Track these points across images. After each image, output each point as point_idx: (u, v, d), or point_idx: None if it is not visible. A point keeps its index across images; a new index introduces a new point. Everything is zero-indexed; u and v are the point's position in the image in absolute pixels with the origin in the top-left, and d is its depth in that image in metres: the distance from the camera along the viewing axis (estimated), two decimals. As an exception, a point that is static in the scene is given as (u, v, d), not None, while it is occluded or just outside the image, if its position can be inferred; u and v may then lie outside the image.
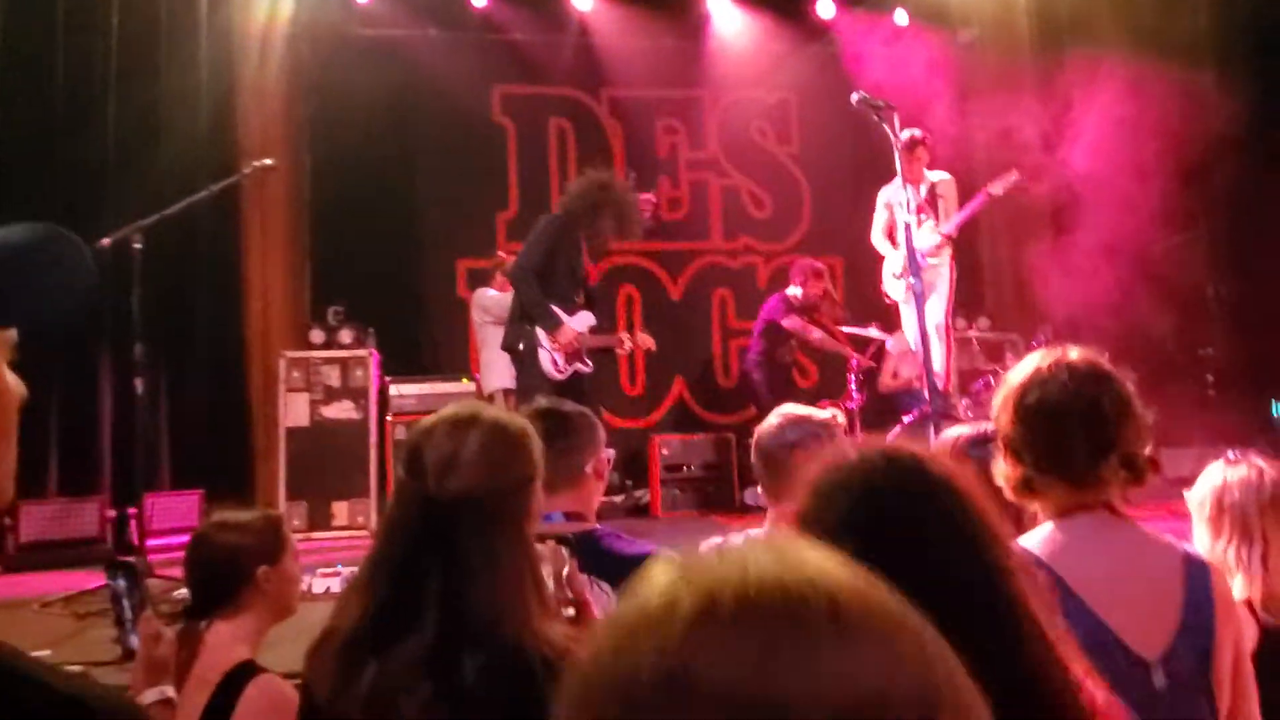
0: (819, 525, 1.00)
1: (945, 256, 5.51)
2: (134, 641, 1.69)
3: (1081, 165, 5.84)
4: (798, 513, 1.04)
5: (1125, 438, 1.49)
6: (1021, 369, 1.58)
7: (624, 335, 5.56)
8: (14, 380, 0.82)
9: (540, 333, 4.84)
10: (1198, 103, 5.91)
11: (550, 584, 1.52)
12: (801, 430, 2.19)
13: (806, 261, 6.63)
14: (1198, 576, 1.41)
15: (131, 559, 1.88)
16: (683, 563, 0.50)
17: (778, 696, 0.43)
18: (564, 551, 1.57)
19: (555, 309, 4.82)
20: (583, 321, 4.97)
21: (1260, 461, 1.92)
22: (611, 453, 2.25)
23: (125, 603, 1.72)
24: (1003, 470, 1.53)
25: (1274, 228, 5.16)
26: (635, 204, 5.06)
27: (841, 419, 2.31)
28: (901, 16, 7.78)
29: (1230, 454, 1.98)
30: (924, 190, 5.53)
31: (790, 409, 2.29)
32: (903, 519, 0.99)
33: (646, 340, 5.56)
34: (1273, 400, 5.30)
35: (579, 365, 4.95)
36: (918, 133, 5.44)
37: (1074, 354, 1.54)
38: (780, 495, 2.18)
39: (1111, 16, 6.26)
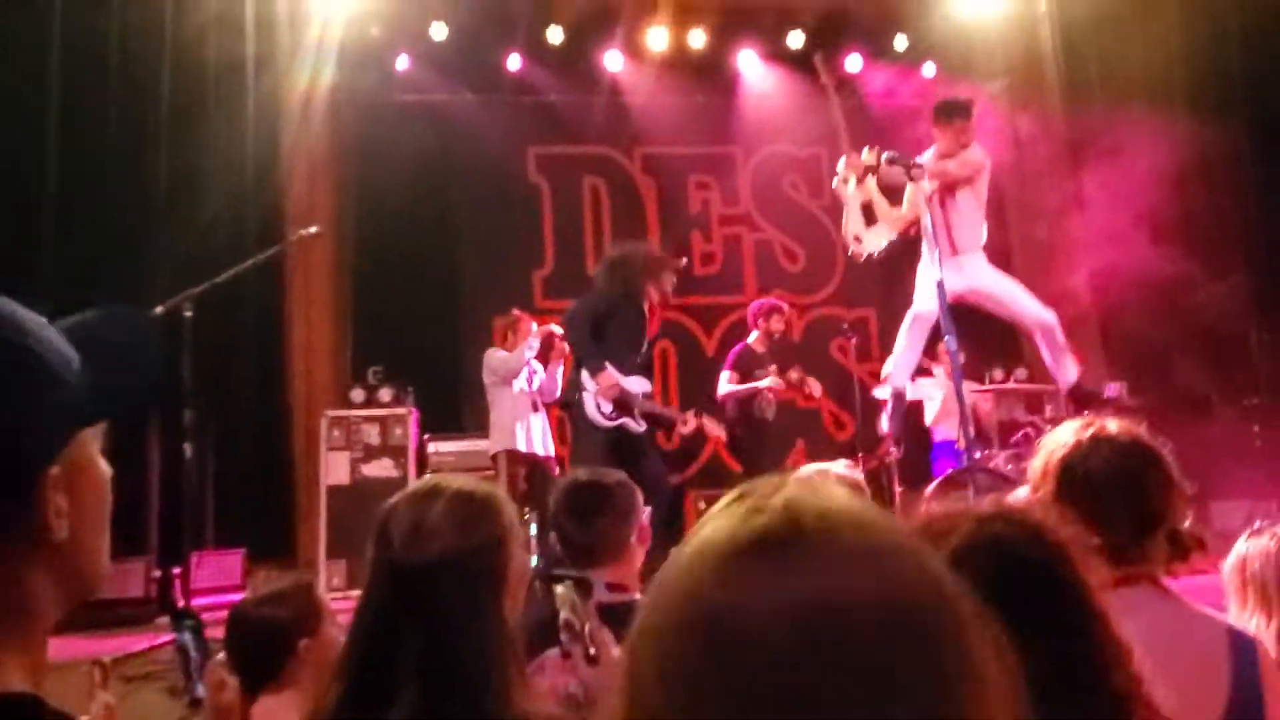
0: None
1: None
2: (200, 690, 1.76)
3: (1117, 215, 5.83)
4: None
5: (1169, 514, 1.48)
6: (1059, 439, 1.56)
7: (689, 415, 5.56)
8: (105, 467, 0.85)
9: (585, 377, 4.90)
10: (1233, 151, 5.90)
11: (565, 627, 1.51)
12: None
13: (758, 302, 6.41)
14: (1244, 653, 1.39)
15: (193, 614, 1.95)
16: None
17: (741, 609, 0.48)
18: (577, 592, 1.55)
19: (604, 360, 4.88)
20: (638, 385, 5.03)
21: None
22: (648, 511, 2.25)
23: (192, 653, 1.78)
24: None
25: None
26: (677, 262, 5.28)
27: (859, 474, 2.31)
28: (929, 68, 7.86)
29: (1256, 524, 1.97)
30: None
31: (822, 468, 2.29)
32: (1025, 600, 0.99)
33: (714, 429, 5.63)
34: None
35: (628, 420, 4.98)
36: None
37: (1112, 426, 1.53)
38: None
39: (1141, 67, 6.28)
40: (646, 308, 5.19)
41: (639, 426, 5.01)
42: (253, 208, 6.41)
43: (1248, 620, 1.87)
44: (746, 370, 6.14)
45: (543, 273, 7.66)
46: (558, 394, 5.89)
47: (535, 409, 5.94)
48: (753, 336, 6.31)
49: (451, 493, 1.41)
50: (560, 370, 5.88)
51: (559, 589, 1.55)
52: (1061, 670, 0.99)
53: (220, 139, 6.43)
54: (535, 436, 5.87)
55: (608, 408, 4.91)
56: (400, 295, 6.94)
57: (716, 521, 0.55)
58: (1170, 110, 6.04)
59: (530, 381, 5.91)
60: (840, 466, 2.31)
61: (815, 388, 6.32)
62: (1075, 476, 1.49)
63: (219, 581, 5.67)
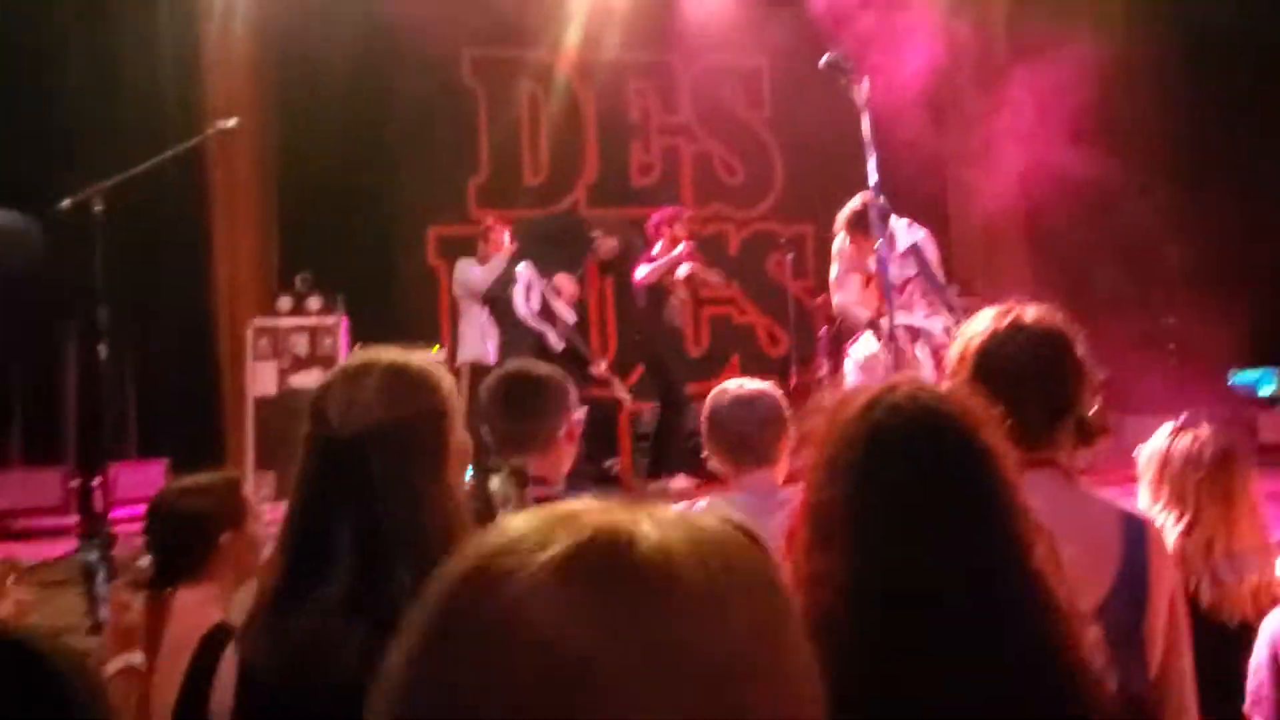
0: (845, 472, 1.05)
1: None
2: (104, 613, 1.68)
3: (1048, 125, 5.89)
4: (820, 457, 1.08)
5: (1080, 400, 1.52)
6: (977, 326, 1.57)
7: (605, 364, 5.61)
8: None
9: (520, 270, 4.97)
10: (1164, 66, 5.98)
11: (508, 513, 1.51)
12: (760, 408, 2.29)
13: (659, 213, 6.42)
14: (1135, 532, 1.45)
15: (101, 533, 1.87)
16: (554, 515, 0.51)
17: (584, 650, 0.45)
18: (513, 482, 1.54)
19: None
20: (567, 312, 5.05)
21: (1205, 430, 1.97)
22: (582, 413, 2.24)
23: (98, 576, 1.71)
24: None
25: (1233, 193, 5.26)
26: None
27: (777, 392, 2.39)
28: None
29: (1181, 417, 2.02)
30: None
31: (740, 383, 2.40)
32: (935, 473, 1.04)
33: (621, 391, 5.68)
34: (1231, 369, 5.42)
35: (548, 330, 5.01)
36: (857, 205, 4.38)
37: (1030, 313, 1.55)
38: (739, 469, 2.29)
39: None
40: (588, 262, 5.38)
41: (556, 345, 5.07)
42: (172, 103, 6.11)
43: (1156, 513, 1.93)
44: (655, 281, 6.17)
45: (478, 180, 7.48)
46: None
47: None
48: (658, 248, 6.31)
49: (385, 365, 1.38)
50: None
51: (494, 480, 1.53)
52: (955, 507, 1.03)
53: (135, 28, 6.07)
54: None
55: (536, 305, 4.94)
56: (328, 198, 6.71)
57: (533, 531, 0.49)
58: (1106, 23, 6.07)
59: None
60: (758, 384, 2.40)
61: (716, 276, 6.49)
62: (991, 363, 1.51)
63: (142, 492, 5.55)
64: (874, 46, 7.03)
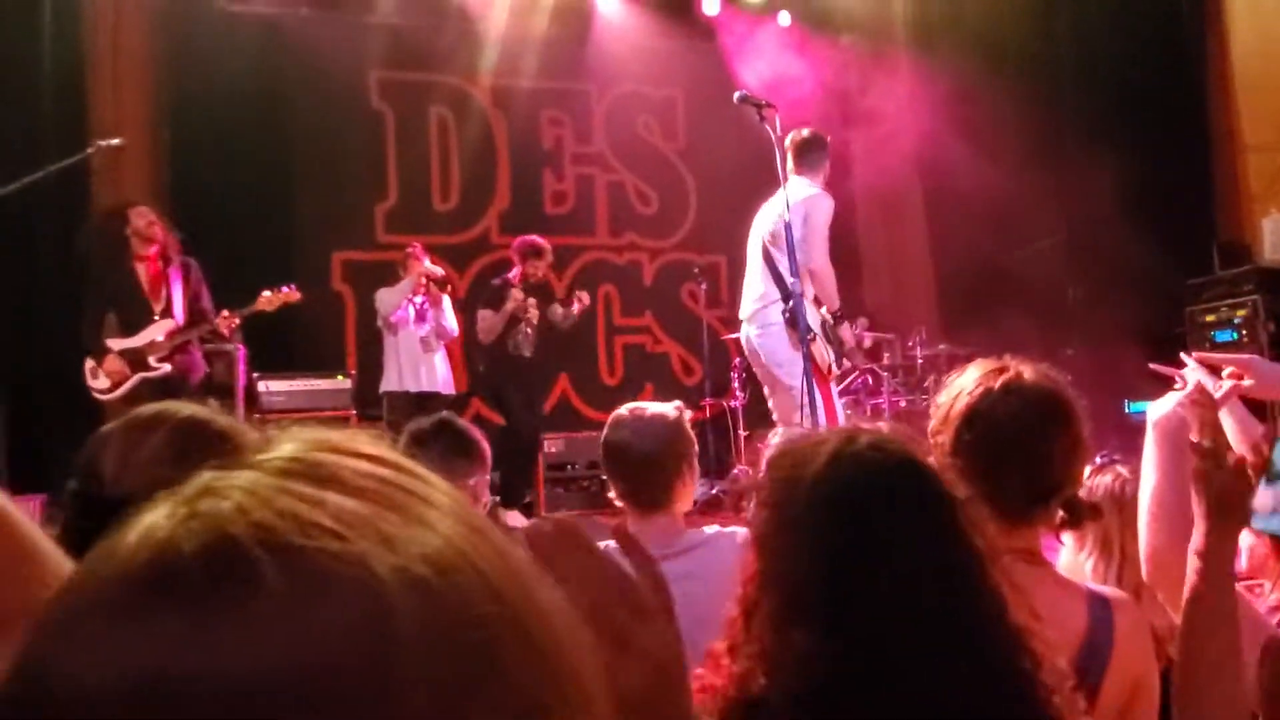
0: (816, 540, 0.95)
1: None
2: None
3: (952, 172, 6.05)
4: (777, 521, 0.99)
5: (1069, 480, 1.37)
6: (967, 384, 1.38)
7: (223, 316, 5.33)
8: None
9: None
10: (1057, 109, 6.22)
11: None
12: (663, 436, 1.95)
13: (520, 240, 6.14)
14: (1100, 615, 1.34)
15: None
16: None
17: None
18: None
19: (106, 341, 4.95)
20: (156, 330, 5.03)
21: (1123, 470, 1.84)
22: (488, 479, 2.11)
23: None
24: None
25: (1126, 232, 5.45)
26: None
27: (688, 414, 2.09)
28: (785, 18, 7.89)
29: (1098, 458, 1.94)
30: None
31: (642, 407, 2.05)
32: (887, 517, 0.96)
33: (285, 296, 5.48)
34: (1126, 400, 5.61)
35: (144, 373, 4.96)
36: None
37: (1028, 373, 1.36)
38: (645, 504, 1.95)
39: (977, 29, 6.51)
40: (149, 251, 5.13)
41: (159, 369, 5.02)
42: (52, 120, 5.75)
43: (1083, 562, 1.80)
44: (499, 307, 5.88)
45: (385, 206, 7.29)
46: (454, 332, 6.04)
47: (427, 348, 5.95)
48: (513, 273, 6.04)
49: (180, 419, 1.20)
50: (449, 307, 6.01)
51: None
52: (939, 575, 0.94)
53: (12, 40, 5.72)
54: (425, 374, 5.93)
55: (104, 382, 4.94)
56: (227, 223, 6.42)
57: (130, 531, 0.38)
58: (1006, 69, 6.30)
59: (422, 320, 5.94)
60: (661, 406, 2.06)
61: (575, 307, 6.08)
62: (976, 431, 1.33)
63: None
64: (783, 82, 7.17)
